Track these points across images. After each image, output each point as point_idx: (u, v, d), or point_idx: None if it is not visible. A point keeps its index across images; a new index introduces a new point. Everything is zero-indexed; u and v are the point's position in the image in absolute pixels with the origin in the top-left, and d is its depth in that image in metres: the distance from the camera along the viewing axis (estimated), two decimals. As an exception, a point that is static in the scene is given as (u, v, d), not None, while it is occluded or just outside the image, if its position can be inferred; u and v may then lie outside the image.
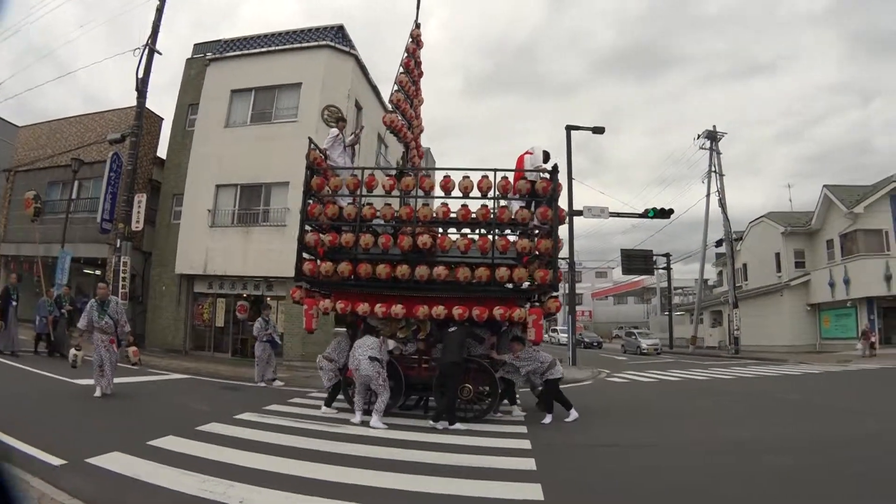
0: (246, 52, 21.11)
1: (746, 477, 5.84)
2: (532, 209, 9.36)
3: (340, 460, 6.17)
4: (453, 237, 9.55)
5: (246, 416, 8.62)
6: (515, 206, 9.47)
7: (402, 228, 9.39)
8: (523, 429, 8.46)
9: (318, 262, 9.48)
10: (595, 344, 45.80)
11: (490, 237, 9.18)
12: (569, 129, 23.05)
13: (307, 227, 9.72)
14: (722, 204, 34.63)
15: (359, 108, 21.57)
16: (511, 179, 9.47)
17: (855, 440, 7.73)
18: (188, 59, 22.76)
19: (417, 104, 11.80)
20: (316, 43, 20.49)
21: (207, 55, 21.55)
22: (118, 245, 17.22)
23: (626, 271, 43.65)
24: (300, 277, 9.65)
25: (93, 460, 5.55)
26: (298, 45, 20.67)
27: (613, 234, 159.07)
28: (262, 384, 12.76)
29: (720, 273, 47.77)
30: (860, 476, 5.82)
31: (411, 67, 11.09)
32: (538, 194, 9.27)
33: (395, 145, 25.74)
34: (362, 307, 9.12)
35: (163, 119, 23.74)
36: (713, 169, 35.43)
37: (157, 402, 10.21)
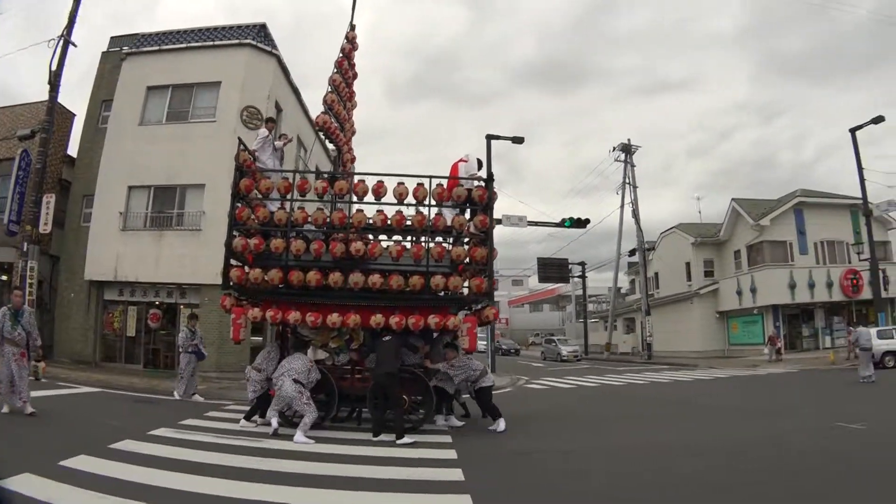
0: (164, 47, 20.14)
1: (672, 481, 5.98)
2: (467, 217, 9.32)
3: (263, 477, 5.88)
4: (385, 244, 9.38)
5: (161, 431, 8.10)
6: (449, 213, 9.40)
7: (334, 234, 9.13)
8: (448, 438, 8.34)
9: (247, 268, 9.07)
10: (512, 351, 46.40)
11: (424, 245, 9.06)
12: (489, 138, 23.31)
13: (235, 232, 9.30)
14: (636, 214, 36.00)
15: (279, 109, 21.13)
16: (445, 187, 9.39)
17: (770, 441, 8.05)
18: (104, 53, 21.53)
19: (351, 107, 11.57)
20: (237, 41, 19.91)
21: (124, 49, 20.44)
22: (25, 249, 15.96)
23: (542, 279, 44.52)
24: (228, 285, 9.21)
25: (2, 483, 5.05)
26: (219, 42, 20.00)
27: (529, 243, 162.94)
28: (199, 398, 12.11)
29: (632, 281, 49.63)
30: (779, 474, 6.09)
31: (345, 68, 10.82)
32: (474, 202, 9.24)
33: (315, 149, 25.49)
34: (293, 316, 8.80)
35: (75, 115, 22.26)
36: (627, 181, 36.73)
37: (66, 418, 9.42)
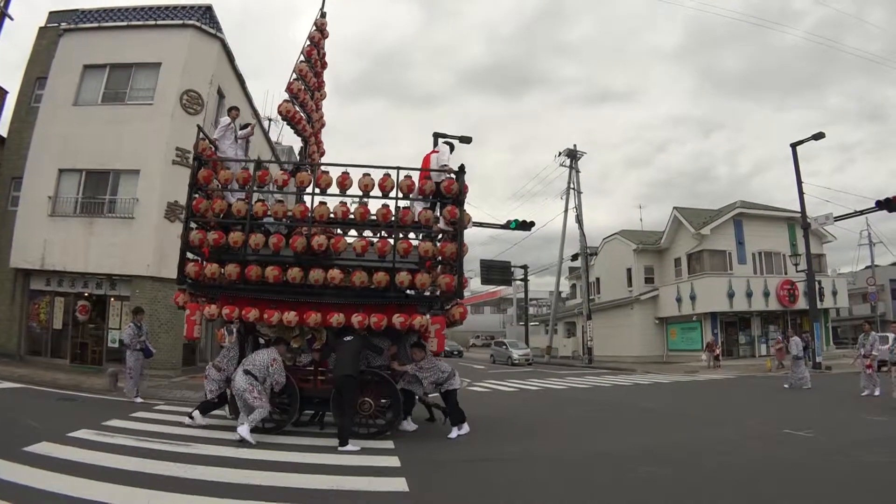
0: (104, 24, 18.96)
1: (627, 489, 5.84)
2: (437, 210, 8.97)
3: (178, 485, 5.42)
4: (350, 239, 8.94)
5: (81, 433, 7.48)
6: (418, 207, 9.03)
7: (295, 228, 8.60)
8: (390, 444, 7.89)
9: (203, 263, 8.45)
10: (456, 353, 46.00)
11: (390, 240, 8.64)
12: (436, 136, 23.00)
13: (191, 225, 8.65)
14: (579, 220, 36.31)
15: (221, 95, 20.45)
16: (415, 179, 8.98)
17: (722, 447, 8.02)
18: (41, 28, 20.10)
19: (319, 97, 10.98)
20: (181, 21, 18.94)
21: (62, 25, 19.12)
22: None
23: (484, 281, 44.57)
24: (183, 280, 8.54)
25: None
26: (162, 21, 18.97)
27: (472, 245, 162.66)
28: (140, 399, 11.17)
29: (573, 286, 50.21)
30: (735, 482, 6.05)
31: (314, 57, 10.21)
32: (444, 194, 8.86)
33: (254, 139, 24.65)
34: (252, 313, 8.21)
35: (7, 92, 20.79)
36: (572, 186, 36.99)
37: (-19, 417, 8.61)
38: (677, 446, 8.14)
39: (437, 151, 9.33)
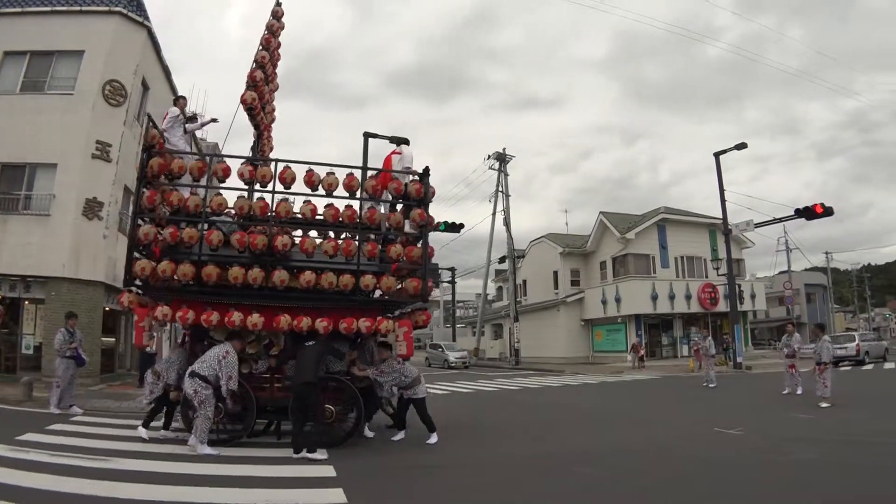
0: (26, 8, 17.66)
1: (572, 491, 5.88)
2: (400, 213, 8.79)
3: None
4: (316, 240, 8.60)
5: None
6: (380, 209, 8.84)
7: (255, 226, 8.19)
8: (324, 453, 7.48)
9: (155, 262, 7.85)
10: (388, 357, 45.44)
11: (355, 241, 8.41)
12: (366, 136, 22.72)
13: (140, 220, 8.06)
14: (507, 222, 36.72)
15: (146, 87, 19.75)
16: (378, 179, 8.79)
17: (657, 447, 8.18)
18: (-40, 13, 18.41)
19: (272, 89, 10.54)
20: (106, 8, 17.98)
21: (-18, 10, 17.60)
22: None
23: (413, 283, 44.16)
24: (131, 281, 7.94)
25: None
26: (87, 7, 17.94)
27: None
28: (58, 411, 10.38)
29: (500, 288, 50.78)
30: (663, 483, 6.16)
31: (272, 46, 9.75)
32: (409, 197, 8.70)
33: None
34: (208, 317, 7.74)
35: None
36: (500, 189, 37.41)
37: None
38: (613, 447, 8.25)
39: (400, 153, 9.19)
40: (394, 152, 9.28)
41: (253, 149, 10.53)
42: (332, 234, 8.83)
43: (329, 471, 6.55)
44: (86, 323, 15.79)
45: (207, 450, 7.07)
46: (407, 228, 8.78)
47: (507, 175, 37.41)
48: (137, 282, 8.01)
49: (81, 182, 16.60)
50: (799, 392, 14.36)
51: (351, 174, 8.49)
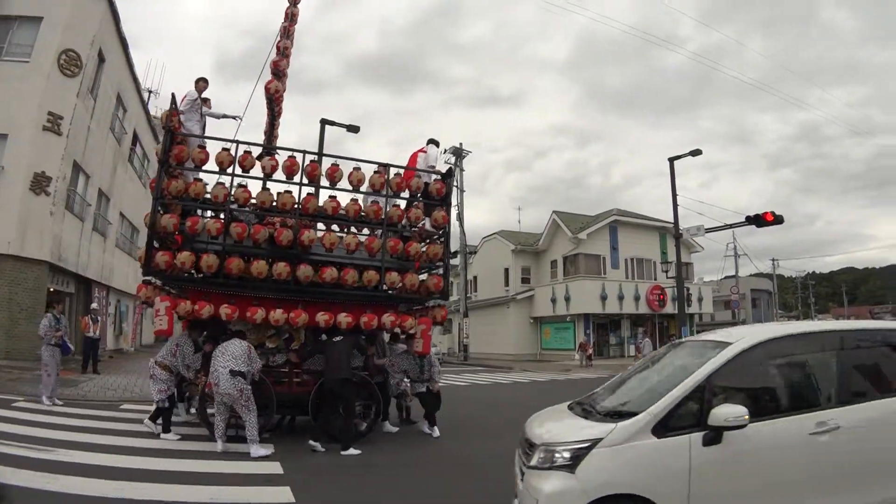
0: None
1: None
2: (423, 211, 8.77)
3: (47, 500, 4.85)
4: (339, 235, 8.47)
5: None
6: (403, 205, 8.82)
7: (281, 220, 7.96)
8: (270, 448, 7.14)
9: (176, 253, 7.51)
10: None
11: (379, 238, 8.33)
12: (323, 122, 22.27)
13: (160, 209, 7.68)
14: (461, 218, 36.82)
15: (102, 59, 18.88)
16: (402, 177, 8.74)
17: None
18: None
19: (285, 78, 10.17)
20: (68, -27, 16.92)
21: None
22: None
23: (364, 275, 43.65)
24: (151, 271, 7.55)
25: None
26: (47, -29, 16.82)
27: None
28: (59, 401, 9.81)
29: (450, 283, 50.69)
30: None
31: (292, 33, 9.40)
32: (431, 196, 8.66)
33: (133, 111, 22.70)
34: (227, 310, 7.45)
35: None
36: (455, 184, 37.41)
37: None
38: None
39: (425, 151, 9.16)
40: (420, 150, 9.24)
41: (266, 139, 10.16)
42: (354, 229, 8.69)
43: (276, 467, 6.39)
44: (29, 304, 15.07)
45: (263, 451, 6.81)
46: (428, 227, 8.73)
47: (462, 170, 37.47)
48: (159, 272, 7.60)
49: (31, 155, 15.68)
50: None
51: (377, 171, 8.37)
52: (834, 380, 4.02)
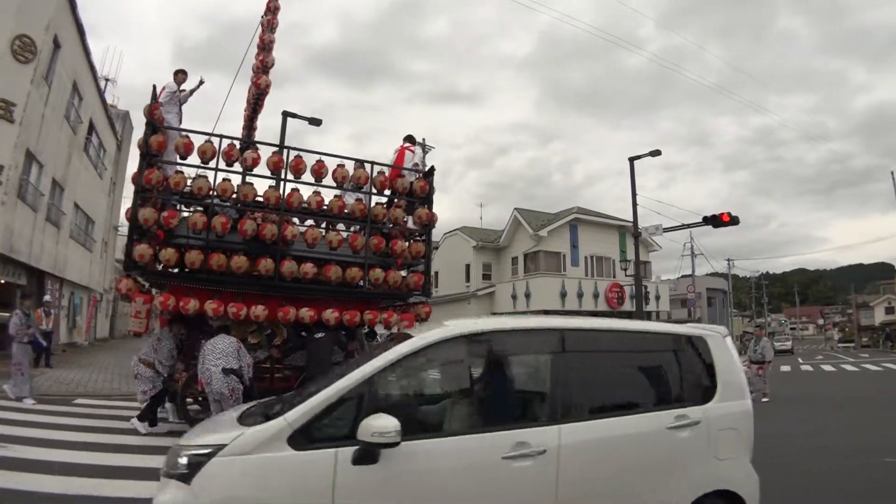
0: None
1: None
2: (406, 210, 8.83)
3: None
4: (316, 231, 8.41)
5: None
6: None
7: (263, 214, 7.88)
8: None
9: (157, 248, 7.36)
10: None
11: (362, 235, 8.40)
12: (285, 115, 22.07)
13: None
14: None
15: (57, 45, 18.17)
16: (387, 174, 8.81)
17: None
18: None
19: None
20: (23, -45, 16.24)
21: None
22: None
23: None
24: (132, 265, 7.35)
25: None
26: (2, -47, 16.14)
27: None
28: (32, 400, 9.37)
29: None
30: None
31: (275, 26, 9.25)
32: (414, 194, 8.73)
33: (89, 99, 22.06)
34: (211, 306, 7.36)
35: None
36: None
37: None
38: None
39: (412, 150, 9.26)
40: (406, 148, 9.30)
41: (247, 132, 10.01)
42: (341, 226, 8.71)
43: None
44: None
45: None
46: (410, 225, 8.79)
47: (425, 167, 37.36)
48: (139, 266, 7.42)
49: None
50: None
51: (360, 167, 8.39)
52: (547, 391, 3.27)
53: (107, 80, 28.07)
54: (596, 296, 32.98)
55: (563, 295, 32.04)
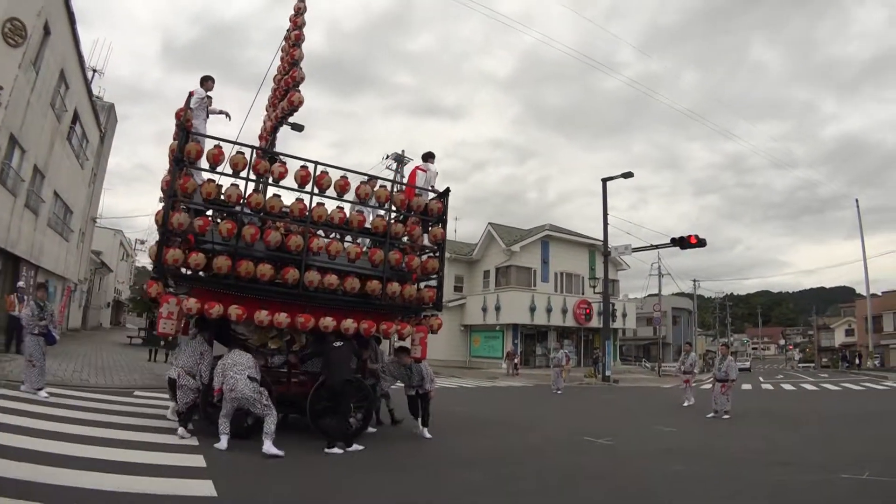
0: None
1: (460, 492, 6.11)
2: (420, 227, 9.30)
3: None
4: (338, 244, 8.70)
5: None
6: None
7: (285, 225, 8.17)
8: (195, 441, 7.25)
9: (186, 252, 7.56)
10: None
11: (381, 250, 8.79)
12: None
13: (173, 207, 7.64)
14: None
15: (47, 32, 17.85)
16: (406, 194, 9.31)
17: (526, 454, 8.39)
18: None
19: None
20: (17, -62, 16.05)
21: None
22: None
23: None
24: (161, 269, 7.54)
25: None
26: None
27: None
28: (44, 393, 9.28)
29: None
30: (546, 488, 6.41)
31: (301, 40, 9.40)
32: (430, 213, 9.16)
33: (75, 88, 21.79)
34: (236, 311, 7.58)
35: None
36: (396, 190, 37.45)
37: None
38: (492, 451, 8.43)
39: (425, 171, 9.63)
40: (418, 168, 9.69)
41: (269, 144, 10.22)
42: (360, 240, 9.14)
43: (199, 461, 6.33)
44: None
45: (275, 450, 6.88)
46: (425, 242, 9.21)
47: (403, 177, 37.63)
48: (168, 270, 7.62)
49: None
50: (692, 402, 15.98)
51: (382, 186, 8.85)
52: None
53: (94, 70, 27.67)
54: (564, 311, 33.77)
55: (533, 309, 32.73)
